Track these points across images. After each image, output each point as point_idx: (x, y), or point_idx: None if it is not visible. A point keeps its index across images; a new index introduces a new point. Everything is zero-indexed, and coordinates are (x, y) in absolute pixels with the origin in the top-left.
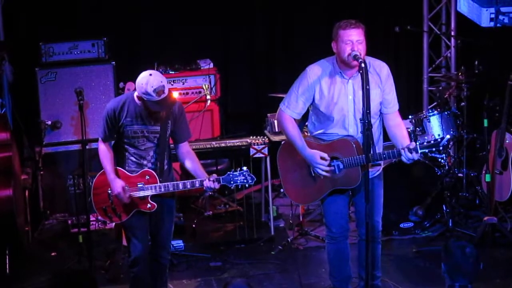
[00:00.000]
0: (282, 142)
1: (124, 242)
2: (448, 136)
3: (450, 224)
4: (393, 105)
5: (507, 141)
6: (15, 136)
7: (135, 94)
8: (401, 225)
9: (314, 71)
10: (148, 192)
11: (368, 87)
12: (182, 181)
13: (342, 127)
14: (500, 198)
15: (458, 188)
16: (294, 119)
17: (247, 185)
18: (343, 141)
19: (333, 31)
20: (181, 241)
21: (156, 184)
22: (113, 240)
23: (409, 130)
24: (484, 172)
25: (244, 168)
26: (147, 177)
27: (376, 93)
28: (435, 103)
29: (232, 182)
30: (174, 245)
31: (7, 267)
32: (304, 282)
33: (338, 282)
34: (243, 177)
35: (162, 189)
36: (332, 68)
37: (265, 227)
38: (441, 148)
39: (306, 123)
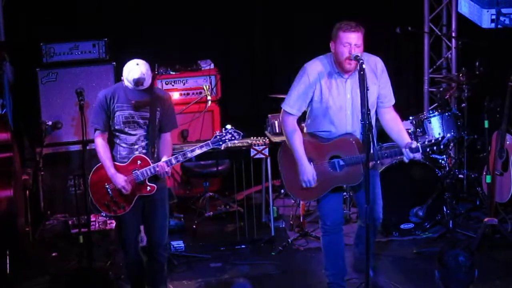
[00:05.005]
0: (282, 142)
1: None
2: (448, 135)
3: (451, 225)
4: (389, 99)
5: (507, 142)
6: (16, 136)
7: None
8: (402, 226)
9: (313, 68)
10: (145, 176)
11: (367, 88)
12: (174, 156)
13: (341, 125)
14: (500, 199)
15: (459, 189)
16: (296, 118)
17: (236, 142)
18: (343, 140)
19: (333, 31)
20: (182, 242)
21: (149, 166)
22: (114, 241)
23: (409, 131)
24: (484, 173)
25: (228, 126)
26: (139, 161)
27: (373, 89)
28: (436, 104)
29: (221, 143)
30: (175, 245)
31: (8, 267)
32: (305, 283)
33: (332, 276)
34: (230, 135)
35: (157, 169)
36: (330, 66)
37: (265, 228)
38: (442, 147)
39: (302, 124)
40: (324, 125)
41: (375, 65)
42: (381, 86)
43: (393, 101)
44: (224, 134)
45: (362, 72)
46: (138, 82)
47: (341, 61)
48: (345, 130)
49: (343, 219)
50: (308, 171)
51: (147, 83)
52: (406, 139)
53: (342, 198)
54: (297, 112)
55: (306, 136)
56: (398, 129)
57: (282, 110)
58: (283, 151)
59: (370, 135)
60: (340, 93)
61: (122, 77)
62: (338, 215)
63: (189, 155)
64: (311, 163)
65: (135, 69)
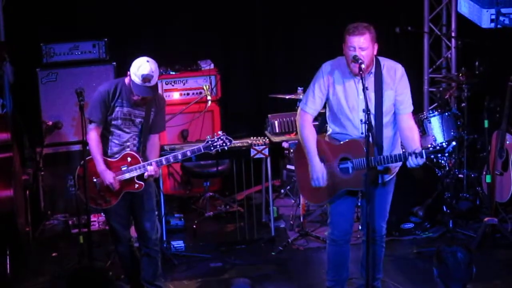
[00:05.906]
0: (297, 142)
1: None
2: (454, 143)
3: (451, 225)
4: (405, 106)
5: (507, 142)
6: (16, 136)
7: (126, 79)
8: (402, 226)
9: (328, 68)
10: (134, 173)
11: (367, 89)
12: (165, 157)
13: (353, 126)
14: (500, 199)
15: (459, 189)
16: (311, 117)
17: (226, 148)
18: (354, 142)
19: (344, 33)
20: (182, 241)
21: (139, 164)
22: None
23: None
24: (484, 173)
25: (220, 132)
26: (129, 159)
27: (389, 95)
28: (436, 104)
29: (212, 148)
30: (175, 245)
31: (8, 267)
32: (305, 283)
33: (333, 282)
34: (222, 141)
35: (148, 169)
36: (345, 67)
37: (265, 227)
38: (446, 154)
39: (326, 124)
40: (338, 125)
41: (394, 71)
42: (397, 93)
43: (410, 109)
44: (215, 140)
45: (361, 72)
46: (146, 78)
47: (348, 64)
48: (358, 131)
49: (352, 229)
50: (318, 170)
51: (154, 80)
52: (416, 147)
53: (354, 205)
54: (312, 111)
55: (324, 137)
56: (412, 138)
57: (299, 108)
58: (297, 151)
59: (371, 135)
60: (353, 93)
61: (128, 73)
62: (347, 225)
63: (179, 157)
64: (323, 163)
65: (145, 65)
